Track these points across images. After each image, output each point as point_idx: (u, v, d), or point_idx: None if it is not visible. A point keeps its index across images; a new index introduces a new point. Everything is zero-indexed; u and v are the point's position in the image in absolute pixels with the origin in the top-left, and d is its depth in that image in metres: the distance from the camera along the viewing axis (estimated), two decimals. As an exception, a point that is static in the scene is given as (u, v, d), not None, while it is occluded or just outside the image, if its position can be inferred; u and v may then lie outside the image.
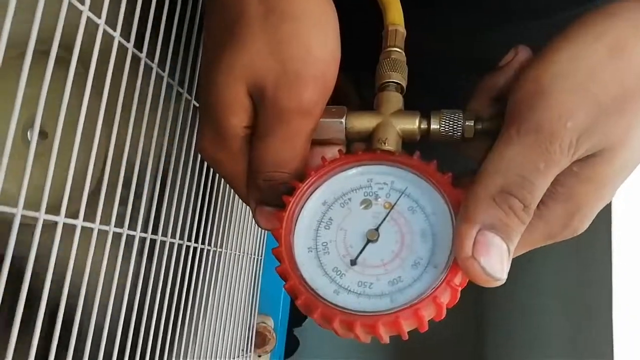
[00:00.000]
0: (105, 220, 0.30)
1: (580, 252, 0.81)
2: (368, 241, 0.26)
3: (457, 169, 0.28)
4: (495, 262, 0.24)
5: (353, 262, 0.26)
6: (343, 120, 0.29)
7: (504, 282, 0.24)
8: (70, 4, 0.25)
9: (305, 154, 0.28)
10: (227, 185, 0.43)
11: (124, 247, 0.32)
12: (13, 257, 0.22)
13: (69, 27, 0.25)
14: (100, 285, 0.30)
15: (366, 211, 0.27)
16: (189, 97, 0.38)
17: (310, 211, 0.28)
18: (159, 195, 0.36)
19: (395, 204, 0.27)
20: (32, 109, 0.23)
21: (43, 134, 0.29)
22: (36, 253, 0.24)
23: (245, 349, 0.60)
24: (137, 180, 0.33)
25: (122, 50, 0.30)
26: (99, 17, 0.27)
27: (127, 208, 0.32)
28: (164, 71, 0.34)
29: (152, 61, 0.33)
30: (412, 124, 0.29)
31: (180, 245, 0.40)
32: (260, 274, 0.62)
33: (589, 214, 0.27)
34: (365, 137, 0.29)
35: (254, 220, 0.30)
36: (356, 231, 0.27)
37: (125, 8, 0.29)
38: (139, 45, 0.31)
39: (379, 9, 0.31)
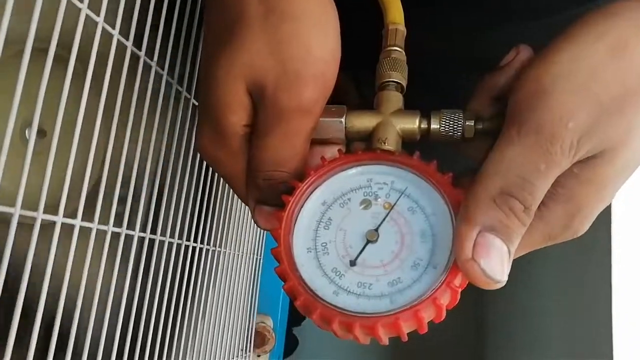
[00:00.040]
0: (104, 220, 0.30)
1: (580, 254, 0.81)
2: (367, 242, 0.26)
3: (457, 168, 0.28)
4: (495, 264, 0.24)
5: (352, 263, 0.26)
6: (343, 119, 0.28)
7: (504, 284, 0.24)
8: (69, 2, 0.24)
9: (305, 153, 0.28)
10: (226, 184, 0.43)
11: (123, 246, 0.32)
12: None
13: (68, 25, 0.25)
14: (99, 285, 0.30)
15: (366, 211, 0.27)
16: (188, 96, 0.38)
17: (310, 211, 0.28)
18: (157, 194, 0.36)
19: (395, 204, 0.27)
20: (31, 107, 0.23)
21: (41, 133, 0.29)
22: (34, 253, 0.24)
23: (244, 349, 0.59)
24: (136, 180, 0.33)
25: (121, 48, 0.29)
26: (98, 15, 0.27)
27: (126, 207, 0.32)
28: (163, 69, 0.34)
29: (152, 59, 0.33)
30: (412, 123, 0.28)
31: (179, 245, 0.39)
32: (260, 273, 0.62)
33: (589, 216, 0.27)
34: (365, 137, 0.29)
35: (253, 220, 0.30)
36: (356, 231, 0.27)
37: (124, 6, 0.29)
38: (138, 43, 0.31)
39: (379, 7, 0.31)
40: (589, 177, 0.25)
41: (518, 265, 0.26)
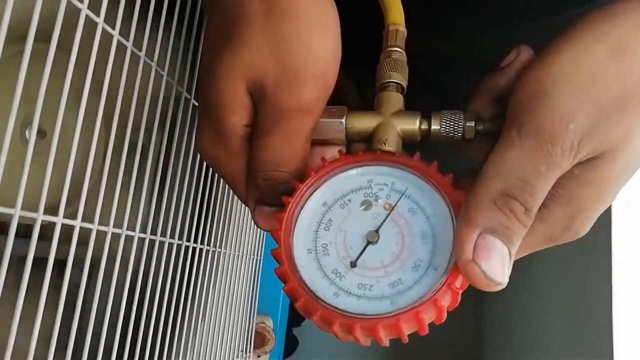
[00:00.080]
0: (104, 221, 0.30)
1: (580, 255, 0.81)
2: (368, 243, 0.26)
3: (457, 169, 0.28)
4: (496, 266, 0.24)
5: (353, 264, 0.26)
6: (343, 120, 0.28)
7: (505, 286, 0.24)
8: (68, 2, 0.24)
9: (305, 153, 0.28)
10: (226, 185, 0.43)
11: (123, 246, 0.32)
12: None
13: (68, 25, 0.25)
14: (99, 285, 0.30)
15: (366, 212, 0.27)
16: (188, 96, 0.38)
17: (310, 212, 0.28)
18: (157, 195, 0.36)
19: (395, 205, 0.27)
20: (30, 107, 0.23)
21: (41, 133, 0.29)
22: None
23: (244, 349, 0.59)
24: (136, 180, 0.32)
25: (121, 48, 0.29)
26: (98, 16, 0.27)
27: (126, 208, 0.32)
28: (163, 70, 0.34)
29: (152, 60, 0.33)
30: (413, 124, 0.28)
31: (179, 246, 0.39)
32: (260, 274, 0.62)
33: (590, 217, 0.27)
34: (366, 138, 0.29)
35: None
36: (356, 232, 0.27)
37: (124, 6, 0.29)
38: (138, 43, 0.31)
39: (379, 6, 0.31)
40: (589, 178, 0.25)
41: (518, 267, 0.26)
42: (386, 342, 0.25)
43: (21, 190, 0.23)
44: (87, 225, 0.28)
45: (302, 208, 0.27)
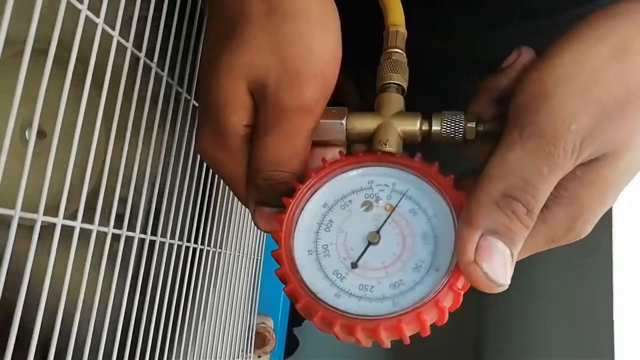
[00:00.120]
0: (104, 221, 0.30)
1: (581, 257, 0.81)
2: (369, 243, 0.26)
3: (458, 170, 0.28)
4: (498, 267, 0.24)
5: (354, 265, 0.26)
6: (344, 121, 0.28)
7: (506, 287, 0.24)
8: (68, 3, 0.24)
9: (306, 153, 0.28)
10: (227, 185, 0.43)
11: (123, 247, 0.32)
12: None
13: (68, 26, 0.25)
14: (99, 287, 0.30)
15: (367, 213, 0.27)
16: (188, 97, 0.38)
17: (311, 213, 0.27)
18: (158, 195, 0.36)
19: (396, 206, 0.27)
20: (30, 108, 0.23)
21: (41, 134, 0.29)
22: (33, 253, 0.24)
23: (245, 350, 0.59)
24: (136, 181, 0.32)
25: (121, 49, 0.29)
26: (98, 17, 0.27)
27: (126, 209, 0.32)
28: (163, 70, 0.34)
29: (152, 60, 0.33)
30: (413, 125, 0.28)
31: (179, 247, 0.39)
32: (260, 274, 0.62)
33: (592, 218, 0.26)
34: (366, 139, 0.29)
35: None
36: (357, 233, 0.26)
37: (125, 7, 0.29)
38: (138, 44, 0.31)
39: (379, 7, 0.31)
40: (591, 179, 0.25)
41: (519, 268, 0.26)
42: (387, 344, 0.25)
43: (21, 191, 0.23)
44: (87, 226, 0.28)
45: (302, 209, 0.27)
